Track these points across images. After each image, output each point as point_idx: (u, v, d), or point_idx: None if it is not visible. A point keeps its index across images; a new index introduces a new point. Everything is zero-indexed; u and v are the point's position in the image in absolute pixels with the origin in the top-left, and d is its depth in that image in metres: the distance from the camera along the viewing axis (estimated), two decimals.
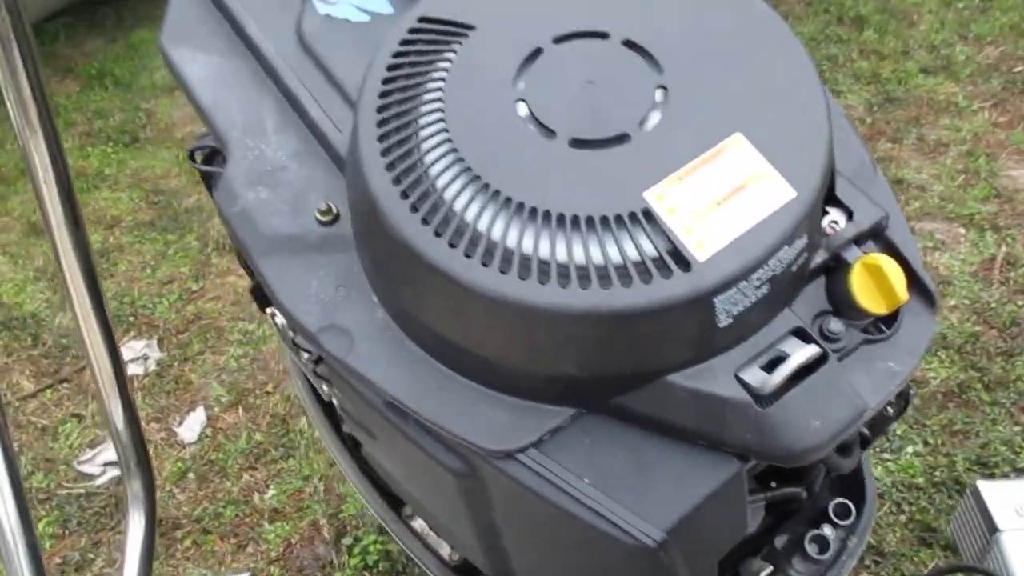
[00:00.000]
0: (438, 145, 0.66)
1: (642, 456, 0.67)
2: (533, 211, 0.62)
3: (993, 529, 1.33)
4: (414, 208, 0.64)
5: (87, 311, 1.23)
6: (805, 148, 0.65)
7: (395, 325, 0.71)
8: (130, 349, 2.63)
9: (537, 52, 0.69)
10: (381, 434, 0.79)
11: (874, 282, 0.67)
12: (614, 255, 0.61)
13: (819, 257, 0.69)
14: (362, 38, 0.81)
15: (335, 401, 0.98)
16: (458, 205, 0.63)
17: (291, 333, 0.84)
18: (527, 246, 0.62)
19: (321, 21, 0.83)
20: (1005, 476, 2.02)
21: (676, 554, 0.66)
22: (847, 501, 0.99)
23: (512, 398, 0.68)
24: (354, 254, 0.74)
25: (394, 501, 1.09)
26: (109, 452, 2.40)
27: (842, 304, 0.69)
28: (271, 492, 2.27)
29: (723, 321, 0.63)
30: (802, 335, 0.67)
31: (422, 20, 0.72)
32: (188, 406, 2.48)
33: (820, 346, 0.66)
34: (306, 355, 0.85)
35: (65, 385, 2.59)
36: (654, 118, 0.67)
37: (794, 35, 0.71)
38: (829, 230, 0.70)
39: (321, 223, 0.75)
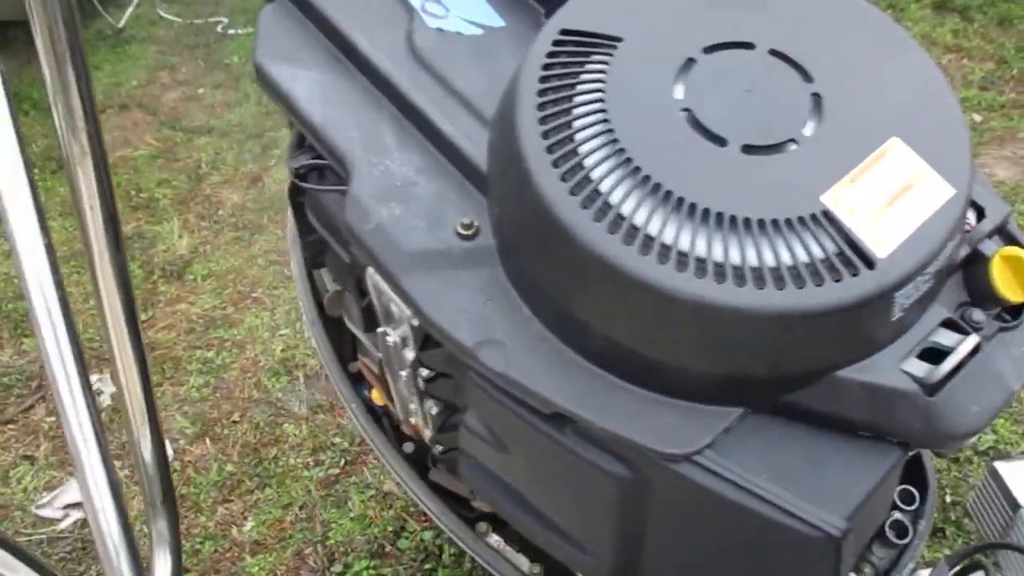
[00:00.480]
0: (612, 155, 0.66)
1: (811, 450, 0.69)
2: (720, 216, 0.64)
3: (1015, 506, 1.42)
4: (597, 218, 0.64)
5: (123, 338, 1.18)
6: (953, 148, 0.69)
7: (551, 335, 0.71)
8: None
9: (690, 62, 0.71)
10: (520, 446, 0.78)
11: (1013, 272, 0.71)
12: (802, 256, 0.63)
13: (962, 252, 0.73)
14: (479, 51, 0.81)
15: (419, 420, 0.97)
16: (643, 214, 0.64)
17: (408, 351, 0.83)
18: (717, 251, 0.63)
19: (434, 35, 0.82)
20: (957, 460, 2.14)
21: (851, 542, 0.68)
22: (910, 487, 1.03)
23: (680, 401, 0.69)
24: (497, 268, 0.74)
25: (467, 521, 1.09)
26: (68, 494, 2.28)
27: (981, 295, 0.73)
28: (250, 524, 2.19)
29: (896, 315, 0.66)
30: (952, 326, 0.71)
31: (565, 32, 0.73)
32: None
33: (977, 336, 0.69)
34: (425, 372, 0.84)
35: (11, 426, 2.45)
36: (812, 124, 0.69)
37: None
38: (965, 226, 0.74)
39: (463, 237, 0.75)
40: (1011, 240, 0.76)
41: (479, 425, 0.82)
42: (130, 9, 4.04)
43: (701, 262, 0.63)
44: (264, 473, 2.29)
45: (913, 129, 0.69)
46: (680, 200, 0.64)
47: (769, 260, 0.63)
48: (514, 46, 0.81)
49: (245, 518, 2.23)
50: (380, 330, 0.84)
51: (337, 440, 2.36)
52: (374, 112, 0.82)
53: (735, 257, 0.63)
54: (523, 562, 1.08)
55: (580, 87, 0.70)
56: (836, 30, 0.75)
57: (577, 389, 0.69)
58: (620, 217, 0.64)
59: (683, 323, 0.64)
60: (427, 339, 0.80)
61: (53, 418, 2.40)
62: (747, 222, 0.64)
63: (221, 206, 3.09)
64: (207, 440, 2.38)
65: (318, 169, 0.89)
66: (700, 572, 0.79)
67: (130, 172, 3.22)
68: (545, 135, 0.68)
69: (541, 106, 0.70)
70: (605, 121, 0.68)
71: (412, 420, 1.00)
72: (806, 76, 0.71)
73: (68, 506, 2.25)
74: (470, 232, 0.75)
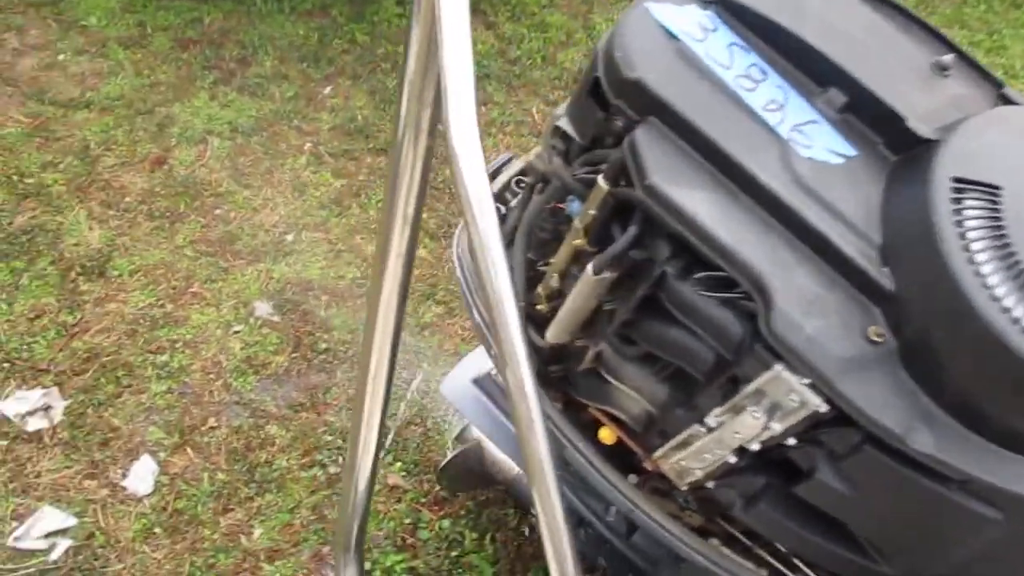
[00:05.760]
0: None
1: None
2: None
3: None
4: None
5: (382, 365, 1.19)
6: None
7: (952, 420, 0.92)
8: (23, 400, 2.31)
9: None
10: (891, 498, 0.99)
11: None
12: None
13: None
14: (848, 180, 0.98)
15: (696, 467, 1.14)
16: None
17: (776, 424, 0.99)
18: None
19: (808, 164, 0.97)
20: None
21: None
22: None
23: None
24: (899, 366, 0.93)
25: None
26: (44, 521, 2.14)
27: None
28: (258, 532, 2.18)
29: None
30: None
31: (956, 180, 0.92)
32: (126, 455, 2.26)
33: None
34: (792, 441, 1.01)
35: None
36: None
37: None
38: None
39: (874, 344, 0.93)
40: None
41: (838, 481, 1.01)
42: None
43: None
44: (260, 478, 2.27)
45: None
46: None
47: None
48: (871, 176, 0.99)
49: (251, 526, 2.21)
50: (750, 409, 1.00)
51: (329, 438, 2.38)
52: (766, 231, 0.96)
53: None
54: (750, 565, 1.29)
55: (989, 230, 0.90)
56: None
57: (983, 463, 0.91)
58: None
59: None
60: (812, 424, 0.97)
61: (4, 441, 2.21)
62: None
63: (126, 192, 2.88)
64: (188, 449, 2.30)
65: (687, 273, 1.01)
66: None
67: (4, 153, 2.90)
68: (976, 274, 0.87)
69: (965, 247, 0.88)
70: (1019, 263, 0.88)
71: (683, 463, 1.17)
72: None
73: (50, 534, 2.11)
74: (880, 339, 0.93)
